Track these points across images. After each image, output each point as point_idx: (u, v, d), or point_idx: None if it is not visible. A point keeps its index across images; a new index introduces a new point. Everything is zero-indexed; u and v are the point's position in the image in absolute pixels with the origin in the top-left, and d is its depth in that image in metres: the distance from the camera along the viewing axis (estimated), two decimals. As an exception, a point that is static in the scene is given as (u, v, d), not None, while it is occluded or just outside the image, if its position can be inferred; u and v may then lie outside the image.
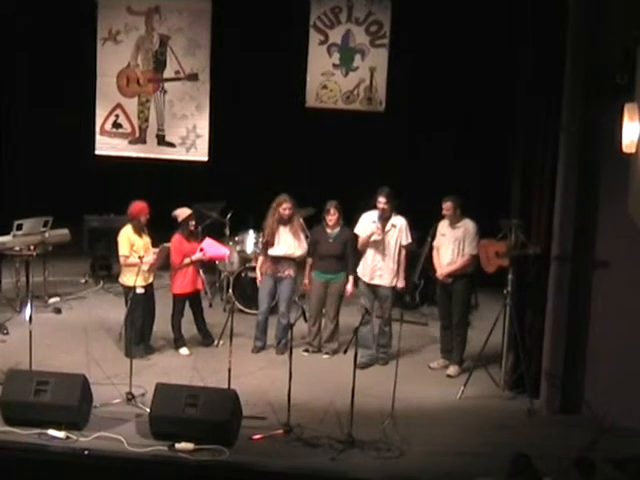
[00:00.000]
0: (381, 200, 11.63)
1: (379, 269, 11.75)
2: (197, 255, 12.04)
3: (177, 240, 11.98)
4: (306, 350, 12.14)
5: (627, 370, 10.15)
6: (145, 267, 11.52)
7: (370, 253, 11.77)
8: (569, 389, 10.74)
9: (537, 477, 8.04)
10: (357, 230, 11.89)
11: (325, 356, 12.11)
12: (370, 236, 11.66)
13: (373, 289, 11.81)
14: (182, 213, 12.08)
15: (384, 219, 11.71)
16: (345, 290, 11.99)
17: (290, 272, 12.10)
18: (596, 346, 10.58)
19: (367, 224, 11.78)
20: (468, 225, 11.60)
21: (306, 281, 12.12)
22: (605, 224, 10.36)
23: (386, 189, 11.66)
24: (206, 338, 12.30)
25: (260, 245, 12.63)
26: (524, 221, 11.02)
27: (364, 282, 11.84)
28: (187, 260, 11.95)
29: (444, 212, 11.60)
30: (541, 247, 10.78)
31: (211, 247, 12.28)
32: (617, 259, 10.23)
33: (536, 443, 9.75)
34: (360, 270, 11.88)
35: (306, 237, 12.42)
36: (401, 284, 11.87)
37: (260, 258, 12.28)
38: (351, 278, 11.96)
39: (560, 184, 10.54)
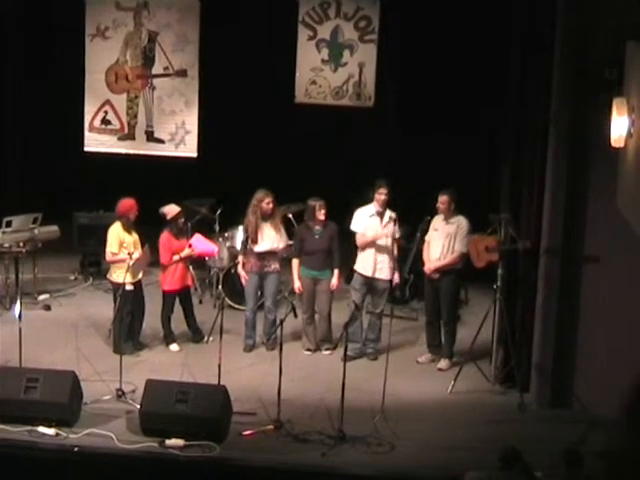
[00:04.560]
0: (383, 191, 11.63)
1: (380, 262, 11.76)
2: (186, 252, 12.03)
3: (165, 238, 11.96)
4: (308, 349, 12.14)
5: (617, 364, 10.16)
6: (131, 262, 11.48)
7: (372, 248, 11.76)
8: (559, 383, 10.77)
9: (528, 470, 8.05)
10: (354, 227, 11.84)
11: (326, 352, 12.09)
12: (378, 238, 11.68)
13: (371, 283, 11.81)
14: (171, 211, 12.05)
15: (380, 213, 11.72)
16: (331, 285, 11.98)
17: (276, 266, 12.08)
18: (586, 340, 10.60)
19: (363, 219, 11.77)
20: (461, 222, 11.59)
21: (298, 284, 12.08)
22: (594, 218, 10.38)
23: (385, 181, 11.66)
24: (196, 334, 12.28)
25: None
26: (514, 216, 11.04)
27: (363, 276, 11.80)
28: (176, 257, 11.94)
29: (439, 205, 11.58)
30: (531, 242, 10.79)
31: (200, 243, 12.27)
32: (606, 253, 10.24)
33: (526, 437, 9.78)
34: (360, 265, 11.82)
35: (293, 233, 12.40)
36: (397, 279, 11.90)
37: (240, 257, 12.25)
38: (336, 272, 11.96)
39: (549, 178, 10.56)
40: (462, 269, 11.75)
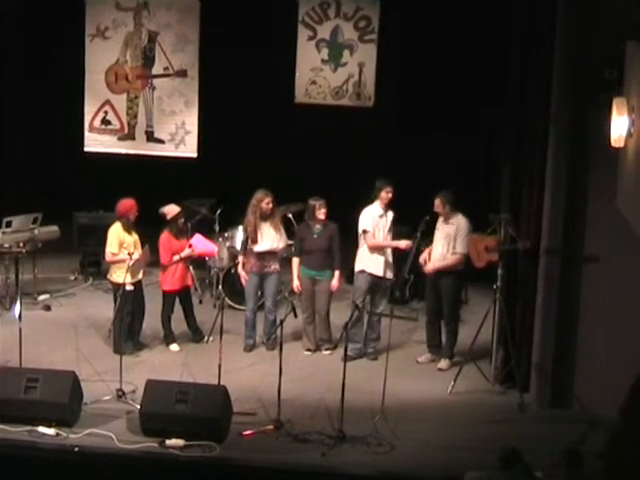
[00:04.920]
0: (390, 190, 11.66)
1: (388, 262, 11.80)
2: (186, 252, 12.03)
3: (165, 238, 11.96)
4: (308, 349, 12.14)
5: (617, 364, 10.16)
6: (131, 262, 11.47)
7: (383, 249, 11.78)
8: (559, 383, 10.76)
9: (528, 470, 8.05)
10: (366, 226, 11.74)
11: (326, 352, 12.08)
12: (393, 246, 11.78)
13: (378, 283, 11.79)
14: (171, 211, 12.05)
15: (386, 213, 11.75)
16: (332, 286, 11.98)
17: (276, 266, 12.08)
18: (586, 340, 10.59)
19: (374, 219, 11.73)
20: (460, 222, 11.57)
21: (297, 283, 12.08)
22: (594, 218, 10.37)
23: (388, 180, 11.68)
24: (196, 334, 12.28)
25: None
26: (514, 216, 11.03)
27: (373, 276, 11.74)
28: (176, 257, 11.94)
29: (435, 208, 11.59)
30: (531, 242, 10.79)
31: (200, 243, 12.27)
32: (606, 253, 10.24)
33: (526, 437, 9.77)
34: (369, 265, 11.75)
35: (293, 233, 12.41)
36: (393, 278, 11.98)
37: (240, 257, 12.26)
38: (337, 273, 11.96)
39: (549, 178, 10.56)
40: (462, 269, 11.75)
